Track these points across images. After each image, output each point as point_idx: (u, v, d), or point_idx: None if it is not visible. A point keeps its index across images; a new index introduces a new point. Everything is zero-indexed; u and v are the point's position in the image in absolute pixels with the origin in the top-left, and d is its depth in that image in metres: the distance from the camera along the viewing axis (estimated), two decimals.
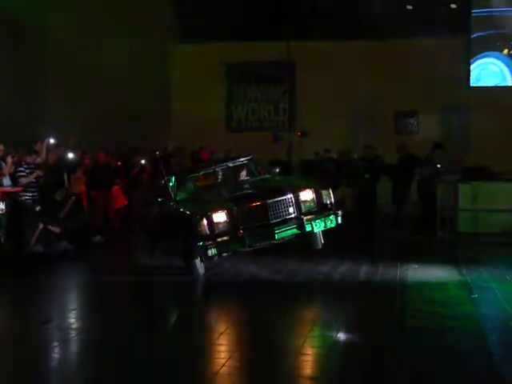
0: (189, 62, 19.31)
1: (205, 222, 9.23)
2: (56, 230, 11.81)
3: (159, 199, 10.69)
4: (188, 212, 9.76)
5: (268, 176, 11.10)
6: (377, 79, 17.86)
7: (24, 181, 11.43)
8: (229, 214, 9.39)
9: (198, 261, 9.41)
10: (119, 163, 14.87)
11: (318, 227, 9.64)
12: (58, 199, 12.38)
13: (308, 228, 9.52)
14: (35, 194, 11.67)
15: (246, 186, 10.61)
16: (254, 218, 9.47)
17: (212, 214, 9.32)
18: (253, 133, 19.39)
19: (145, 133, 17.09)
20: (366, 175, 14.27)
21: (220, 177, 11.16)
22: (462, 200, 13.19)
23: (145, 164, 14.26)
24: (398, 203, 14.39)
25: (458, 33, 18.95)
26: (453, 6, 19.02)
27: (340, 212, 9.79)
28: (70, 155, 13.16)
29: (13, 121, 13.30)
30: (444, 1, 18.97)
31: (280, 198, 9.59)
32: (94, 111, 16.00)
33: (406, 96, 18.04)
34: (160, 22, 18.48)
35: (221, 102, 20.08)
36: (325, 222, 9.65)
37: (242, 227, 9.34)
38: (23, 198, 11.49)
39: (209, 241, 9.15)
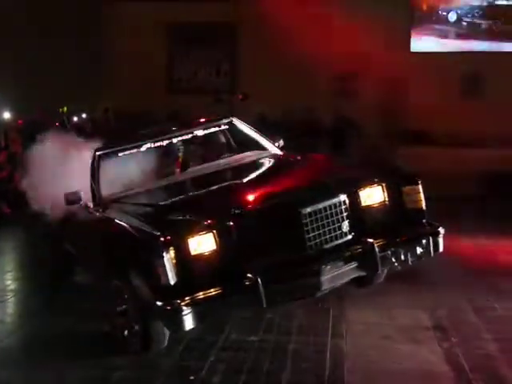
0: (126, 20, 18.87)
1: (170, 255, 4.75)
2: None
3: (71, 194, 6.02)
4: (132, 228, 5.22)
5: (267, 154, 6.73)
6: (318, 42, 17.78)
7: None
8: (221, 238, 4.93)
9: (159, 325, 5.17)
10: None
11: (402, 260, 5.35)
12: None
13: (384, 264, 5.30)
14: None
15: (230, 173, 6.37)
16: (275, 246, 5.03)
17: (188, 237, 4.85)
18: (194, 95, 19.16)
19: (81, 94, 16.72)
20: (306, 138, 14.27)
21: (180, 155, 6.86)
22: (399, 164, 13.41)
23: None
24: None
25: None
26: None
27: (442, 229, 5.57)
28: (6, 115, 12.84)
29: None
30: None
31: (326, 203, 5.25)
32: (28, 71, 15.57)
33: (347, 59, 18.00)
34: None
35: (161, 63, 19.76)
36: (414, 250, 5.36)
37: (251, 266, 4.89)
38: None
39: (180, 297, 4.74)
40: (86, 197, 6.16)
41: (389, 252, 5.26)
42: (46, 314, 6.44)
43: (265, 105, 16.94)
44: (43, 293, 7.14)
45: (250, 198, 5.38)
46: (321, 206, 5.19)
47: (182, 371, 5.17)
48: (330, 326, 5.86)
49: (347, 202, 5.32)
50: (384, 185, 5.50)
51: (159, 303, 4.79)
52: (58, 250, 7.14)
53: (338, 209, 5.27)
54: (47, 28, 15.36)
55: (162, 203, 5.85)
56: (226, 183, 6.16)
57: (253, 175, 6.36)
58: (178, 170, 6.83)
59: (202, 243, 4.89)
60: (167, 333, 5.28)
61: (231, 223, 4.97)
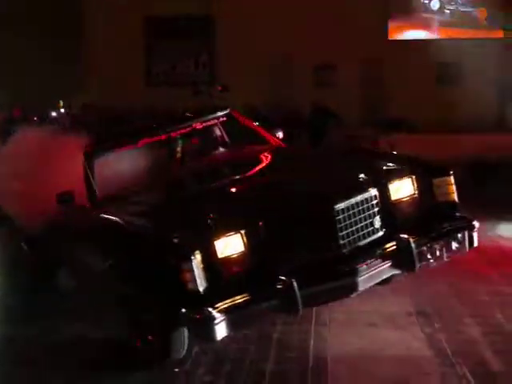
0: (106, 13, 18.72)
1: (197, 259, 4.38)
2: None
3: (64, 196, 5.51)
4: (146, 230, 4.89)
5: (273, 147, 6.30)
6: (296, 33, 17.76)
7: None
8: (250, 239, 4.61)
9: (181, 334, 4.85)
10: None
11: (438, 256, 5.06)
12: None
13: (421, 261, 4.95)
14: None
15: (244, 168, 5.82)
16: (307, 246, 4.74)
17: (214, 239, 4.52)
18: (173, 87, 19.07)
19: (65, 86, 16.59)
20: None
21: (178, 149, 6.38)
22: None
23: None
24: None
25: None
26: None
27: (476, 223, 5.30)
28: None
29: None
30: None
31: (358, 198, 4.97)
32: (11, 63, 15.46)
33: (325, 50, 17.99)
34: None
35: (140, 56, 19.63)
36: (450, 245, 5.11)
37: (283, 268, 4.60)
38: None
39: (210, 304, 4.38)
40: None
41: (424, 248, 4.96)
42: (24, 313, 6.41)
43: (247, 96, 16.88)
44: (22, 291, 7.02)
45: (279, 194, 4.98)
46: (353, 200, 4.91)
47: (166, 364, 5.13)
48: (313, 315, 5.86)
49: (377, 195, 5.05)
50: (414, 177, 5.23)
51: (187, 311, 4.43)
52: (40, 250, 6.68)
53: (369, 203, 5.01)
54: (26, 26, 15.22)
55: (176, 202, 5.34)
56: (246, 178, 5.69)
57: (272, 169, 5.89)
58: (177, 165, 6.38)
59: (230, 245, 4.56)
60: (187, 341, 4.93)
61: (260, 222, 4.63)
